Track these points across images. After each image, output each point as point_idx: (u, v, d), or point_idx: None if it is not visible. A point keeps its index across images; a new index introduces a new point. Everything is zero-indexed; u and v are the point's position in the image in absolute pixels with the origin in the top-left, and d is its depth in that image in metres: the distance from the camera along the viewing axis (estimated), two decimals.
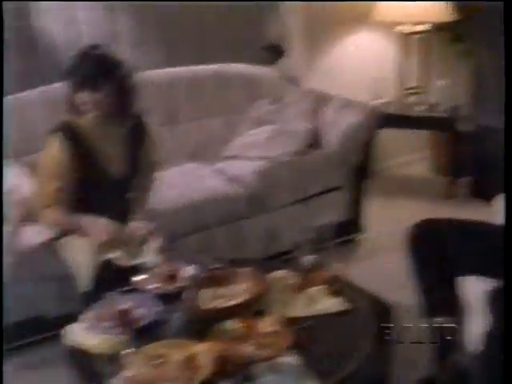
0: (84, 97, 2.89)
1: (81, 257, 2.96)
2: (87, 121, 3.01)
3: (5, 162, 3.34)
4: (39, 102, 3.79)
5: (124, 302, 2.47)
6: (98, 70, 2.91)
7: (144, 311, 2.46)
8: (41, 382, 3.07)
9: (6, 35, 3.93)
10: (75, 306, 3.07)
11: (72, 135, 3.02)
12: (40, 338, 3.25)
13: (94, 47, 3.00)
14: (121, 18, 4.70)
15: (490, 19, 4.07)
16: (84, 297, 2.84)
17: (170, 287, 2.59)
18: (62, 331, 2.50)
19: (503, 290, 2.24)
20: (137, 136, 3.21)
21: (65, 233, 3.09)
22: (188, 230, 3.51)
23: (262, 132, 4.17)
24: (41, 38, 4.64)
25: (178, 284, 2.61)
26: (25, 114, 3.77)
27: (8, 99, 3.81)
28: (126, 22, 4.65)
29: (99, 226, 2.96)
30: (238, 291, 2.56)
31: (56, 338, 3.19)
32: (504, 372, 1.89)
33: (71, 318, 3.12)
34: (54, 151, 3.00)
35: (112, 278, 2.76)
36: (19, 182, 3.43)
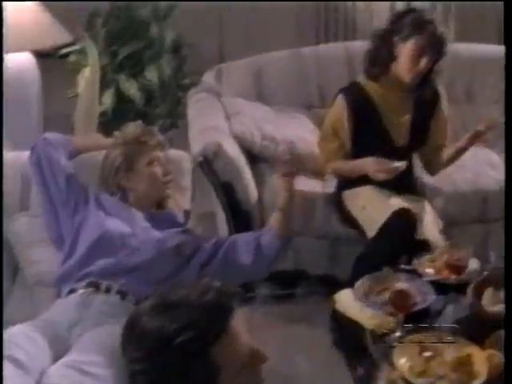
0: (422, 61, 2.86)
1: (373, 205, 2.93)
2: (377, 84, 3.00)
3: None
4: (342, 57, 3.73)
5: (402, 281, 2.34)
6: (421, 19, 2.90)
7: (419, 297, 2.32)
8: (293, 335, 3.07)
9: None
10: (342, 270, 3.06)
11: (358, 97, 3.01)
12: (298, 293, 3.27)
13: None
14: None
15: None
16: (360, 263, 2.80)
17: (453, 278, 2.42)
18: (334, 295, 2.44)
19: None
20: (428, 106, 3.08)
21: (347, 183, 3.08)
22: (471, 218, 3.31)
23: None
24: None
25: (463, 277, 2.43)
26: (326, 66, 3.75)
27: (309, 49, 3.86)
28: None
29: (378, 164, 2.88)
30: None
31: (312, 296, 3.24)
32: (505, 371, 1.77)
33: (334, 281, 3.13)
34: (338, 110, 3.02)
35: (403, 230, 2.76)
36: (305, 134, 3.46)
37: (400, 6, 4.59)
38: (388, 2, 4.68)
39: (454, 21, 4.83)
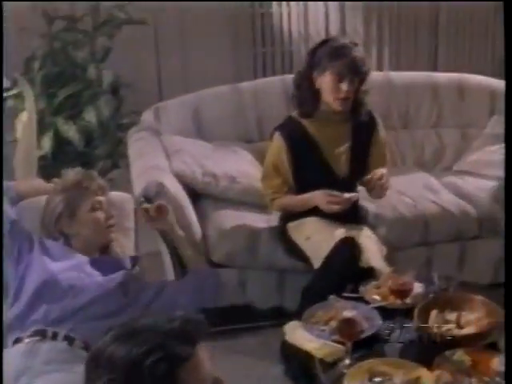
0: (344, 86, 2.89)
1: (318, 235, 2.94)
2: (312, 117, 3.03)
3: None
4: (280, 91, 3.77)
5: (348, 310, 2.36)
6: (336, 46, 2.93)
7: (366, 323, 2.35)
8: (244, 369, 3.06)
9: None
10: (290, 301, 3.07)
11: (294, 132, 3.04)
12: (247, 326, 3.26)
13: (352, 42, 3.00)
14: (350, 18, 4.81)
15: None
16: (307, 293, 2.82)
17: (399, 303, 2.45)
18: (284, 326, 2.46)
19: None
20: (365, 134, 3.13)
21: (293, 216, 3.09)
22: (414, 242, 3.35)
23: (500, 150, 3.90)
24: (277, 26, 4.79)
25: (409, 301, 2.46)
26: (264, 100, 3.79)
27: (247, 84, 3.91)
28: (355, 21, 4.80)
29: (330, 196, 2.90)
30: (469, 319, 2.37)
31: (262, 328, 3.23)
32: (505, 370, 1.81)
33: (283, 312, 3.13)
34: (276, 148, 3.05)
35: (348, 259, 2.79)
36: (245, 168, 3.49)
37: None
38: (323, 33, 4.78)
39: (388, 50, 4.97)
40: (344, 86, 2.89)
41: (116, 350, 1.40)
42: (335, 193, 2.90)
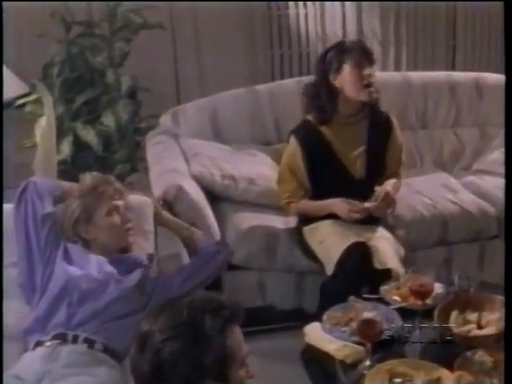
0: (366, 71, 2.94)
1: (330, 239, 2.94)
2: (328, 119, 3.04)
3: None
4: (297, 92, 3.75)
5: (368, 311, 2.35)
6: (345, 43, 3.06)
7: (386, 324, 2.34)
8: (262, 371, 3.05)
9: None
10: (310, 302, 3.07)
11: (310, 136, 3.05)
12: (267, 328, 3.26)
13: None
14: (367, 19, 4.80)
15: None
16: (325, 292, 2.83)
17: (419, 304, 2.44)
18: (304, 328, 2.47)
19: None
20: (381, 136, 3.12)
21: (309, 219, 3.09)
22: (433, 242, 3.34)
23: None
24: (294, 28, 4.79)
25: (429, 302, 2.45)
26: (281, 102, 3.80)
27: (264, 86, 3.93)
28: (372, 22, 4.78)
29: (345, 204, 2.91)
30: (489, 319, 2.35)
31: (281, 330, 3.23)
32: (505, 371, 1.84)
33: (302, 314, 3.13)
34: (291, 151, 3.06)
35: (358, 264, 2.77)
36: (264, 170, 3.49)
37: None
38: (340, 34, 4.78)
39: (406, 50, 4.95)
40: (366, 71, 2.94)
41: (169, 319, 1.57)
42: (354, 202, 2.91)
